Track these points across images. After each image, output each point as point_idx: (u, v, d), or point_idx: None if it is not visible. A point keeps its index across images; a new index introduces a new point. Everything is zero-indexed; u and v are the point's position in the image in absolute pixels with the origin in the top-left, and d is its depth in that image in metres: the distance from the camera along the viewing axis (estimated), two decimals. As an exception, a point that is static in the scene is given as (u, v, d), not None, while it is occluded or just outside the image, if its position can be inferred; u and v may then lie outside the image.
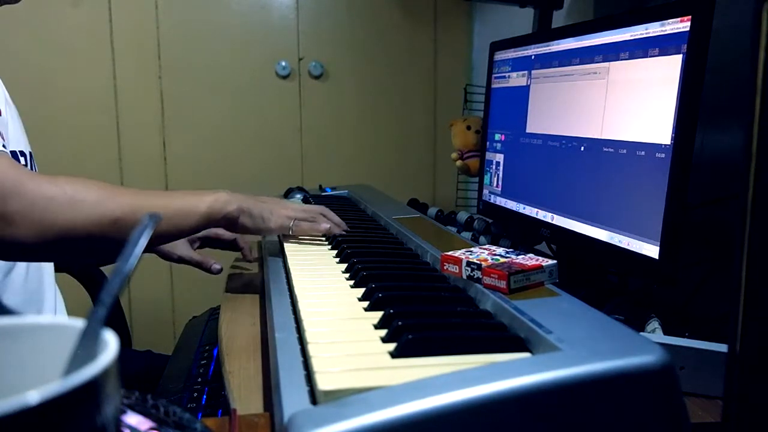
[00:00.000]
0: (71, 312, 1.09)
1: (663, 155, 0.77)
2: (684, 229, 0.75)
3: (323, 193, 1.48)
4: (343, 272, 0.77)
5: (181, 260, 1.12)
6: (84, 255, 0.94)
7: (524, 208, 1.10)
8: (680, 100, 0.75)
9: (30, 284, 0.98)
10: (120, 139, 1.98)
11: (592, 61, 0.92)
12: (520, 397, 0.40)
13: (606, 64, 0.89)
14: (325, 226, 0.91)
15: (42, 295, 1.01)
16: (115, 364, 0.28)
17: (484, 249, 0.72)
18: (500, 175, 1.20)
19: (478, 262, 0.66)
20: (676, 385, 0.43)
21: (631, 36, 0.84)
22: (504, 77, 1.20)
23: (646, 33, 0.82)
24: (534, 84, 1.08)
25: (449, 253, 0.70)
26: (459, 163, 1.42)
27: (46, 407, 0.24)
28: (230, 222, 0.83)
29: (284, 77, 2.04)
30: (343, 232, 0.93)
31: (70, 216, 0.72)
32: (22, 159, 0.94)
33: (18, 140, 0.95)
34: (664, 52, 0.78)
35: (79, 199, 0.74)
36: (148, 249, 1.10)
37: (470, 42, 2.17)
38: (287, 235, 0.91)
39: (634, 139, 0.82)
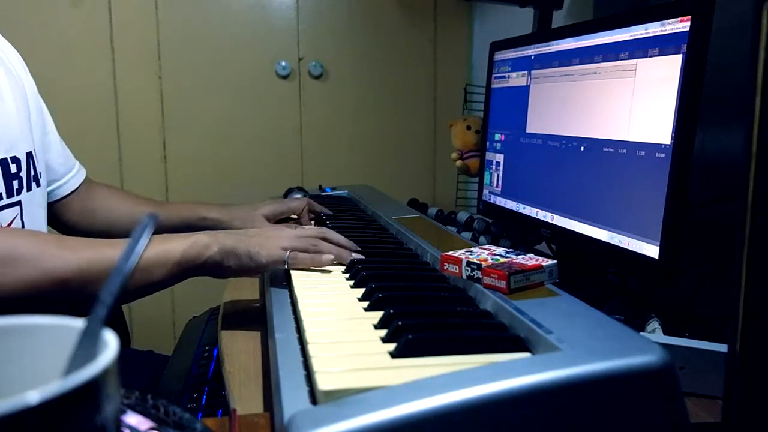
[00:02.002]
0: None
1: (663, 155, 0.77)
2: (684, 229, 0.75)
3: (323, 193, 1.48)
4: (343, 272, 0.77)
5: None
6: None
7: (524, 208, 1.10)
8: (680, 99, 0.75)
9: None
10: (120, 139, 1.98)
11: (591, 61, 0.92)
12: (520, 397, 0.40)
13: (606, 64, 0.89)
14: (328, 257, 0.78)
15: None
16: (115, 364, 0.28)
17: (484, 249, 0.72)
18: (500, 175, 1.20)
19: (478, 262, 0.66)
20: (676, 385, 0.43)
21: (631, 36, 0.84)
22: (504, 77, 1.20)
23: (646, 33, 0.82)
24: (534, 84, 1.08)
25: (449, 253, 0.70)
26: (459, 163, 1.42)
27: (46, 407, 0.24)
28: (214, 267, 0.75)
29: (284, 77, 2.04)
30: (355, 257, 0.80)
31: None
32: (14, 166, 0.86)
33: (12, 143, 0.87)
34: (664, 52, 0.78)
35: (15, 257, 0.67)
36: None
37: (470, 42, 2.17)
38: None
39: (634, 138, 0.82)
